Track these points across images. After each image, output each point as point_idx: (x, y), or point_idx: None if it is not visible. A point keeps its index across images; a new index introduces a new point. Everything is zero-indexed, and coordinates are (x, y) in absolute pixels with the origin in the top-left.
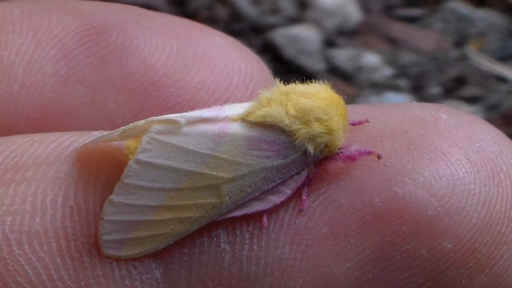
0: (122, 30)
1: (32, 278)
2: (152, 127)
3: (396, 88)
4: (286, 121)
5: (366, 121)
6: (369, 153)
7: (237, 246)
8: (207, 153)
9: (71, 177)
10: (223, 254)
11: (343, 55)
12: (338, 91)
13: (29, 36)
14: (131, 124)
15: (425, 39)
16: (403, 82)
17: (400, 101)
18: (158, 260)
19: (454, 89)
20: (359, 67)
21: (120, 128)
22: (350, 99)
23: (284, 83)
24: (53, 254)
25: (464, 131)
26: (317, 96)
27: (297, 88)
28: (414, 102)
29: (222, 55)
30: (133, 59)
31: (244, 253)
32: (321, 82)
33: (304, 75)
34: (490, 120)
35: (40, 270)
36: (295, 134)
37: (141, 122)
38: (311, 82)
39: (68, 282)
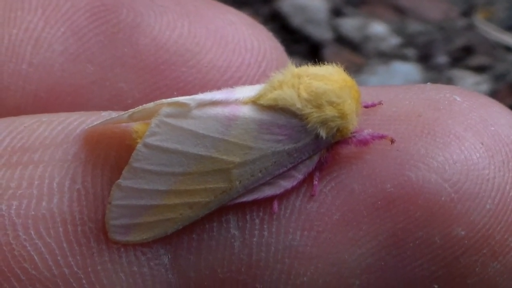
0: (133, 7)
1: (38, 264)
2: (161, 110)
3: (403, 57)
4: (298, 105)
5: (380, 103)
6: (382, 137)
7: (247, 232)
8: (217, 136)
9: (79, 159)
10: (232, 240)
11: (350, 24)
12: (345, 60)
13: (38, 13)
14: (140, 107)
15: (432, 8)
16: (410, 52)
17: (407, 70)
18: (167, 246)
19: (462, 58)
20: (367, 36)
21: (129, 110)
22: (357, 68)
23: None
24: (60, 239)
25: (479, 114)
26: (330, 78)
27: (309, 70)
28: (429, 83)
29: (234, 33)
30: (144, 37)
31: (254, 239)
32: (334, 64)
33: (311, 44)
34: (497, 90)
35: (47, 256)
36: (307, 118)
37: (150, 105)
38: (324, 63)
39: (75, 268)
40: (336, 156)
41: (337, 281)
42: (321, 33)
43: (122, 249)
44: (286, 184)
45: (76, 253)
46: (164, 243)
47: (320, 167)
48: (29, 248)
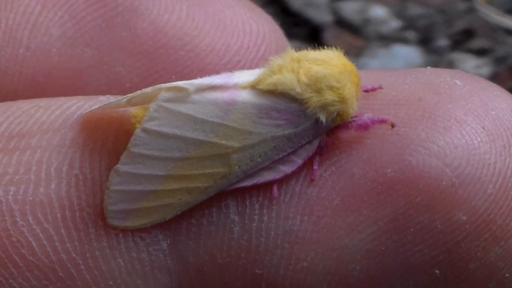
0: None
1: (36, 250)
2: (160, 94)
3: (404, 41)
4: (298, 89)
5: (380, 87)
6: (382, 121)
7: (246, 217)
8: (216, 121)
9: (76, 144)
10: (232, 225)
11: (350, 7)
12: (346, 43)
13: None
14: (139, 92)
15: None
16: (411, 35)
17: (408, 53)
18: (166, 231)
19: (462, 41)
20: (367, 19)
21: (127, 95)
22: (357, 52)
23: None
24: (58, 225)
25: (480, 98)
26: (330, 63)
27: (309, 54)
28: (429, 67)
29: (233, 16)
30: (142, 21)
31: (254, 224)
32: (334, 48)
33: (311, 28)
34: (498, 73)
35: (44, 242)
36: (306, 103)
37: (149, 90)
38: (323, 48)
39: (73, 254)
40: (336, 140)
41: (337, 266)
42: (321, 16)
43: (121, 235)
44: (286, 169)
45: (74, 239)
46: (163, 229)
47: (320, 152)
48: (27, 234)
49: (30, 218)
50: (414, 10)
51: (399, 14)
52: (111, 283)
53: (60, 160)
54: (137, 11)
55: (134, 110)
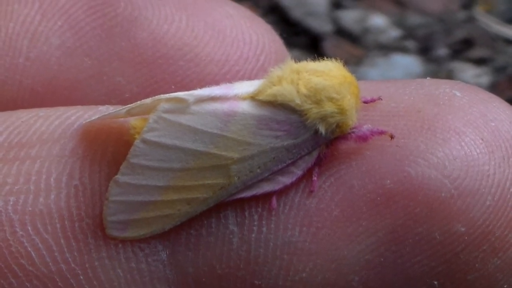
0: (130, 0)
1: (35, 260)
2: (160, 105)
3: (403, 50)
4: (297, 101)
5: (379, 99)
6: (381, 132)
7: (245, 228)
8: (216, 132)
9: (76, 154)
10: (231, 236)
11: (350, 17)
12: (345, 52)
13: (34, 7)
14: (138, 102)
15: (432, 0)
16: (410, 44)
17: (408, 63)
18: (165, 242)
19: (462, 51)
20: (366, 29)
21: (127, 106)
22: (357, 61)
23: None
24: (57, 235)
25: (479, 109)
26: (329, 74)
27: (308, 66)
28: (428, 78)
29: (232, 26)
30: (141, 31)
31: (253, 235)
32: (333, 59)
33: (311, 37)
34: (497, 82)
35: (44, 252)
36: (306, 114)
37: (148, 100)
38: (324, 57)
39: (72, 264)
40: (335, 152)
41: (336, 277)
42: (321, 25)
43: (120, 245)
44: (285, 180)
45: (74, 249)
46: (162, 239)
47: (319, 163)
48: (26, 244)
49: (29, 228)
50: (414, 19)
51: (398, 23)
52: None
53: (60, 170)
54: (137, 21)
55: (133, 121)
